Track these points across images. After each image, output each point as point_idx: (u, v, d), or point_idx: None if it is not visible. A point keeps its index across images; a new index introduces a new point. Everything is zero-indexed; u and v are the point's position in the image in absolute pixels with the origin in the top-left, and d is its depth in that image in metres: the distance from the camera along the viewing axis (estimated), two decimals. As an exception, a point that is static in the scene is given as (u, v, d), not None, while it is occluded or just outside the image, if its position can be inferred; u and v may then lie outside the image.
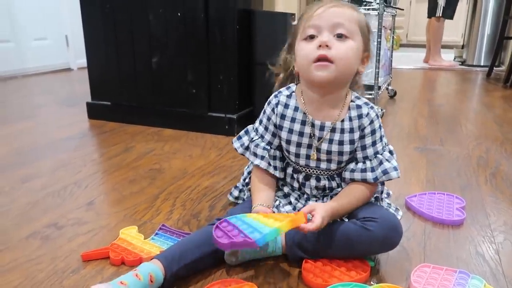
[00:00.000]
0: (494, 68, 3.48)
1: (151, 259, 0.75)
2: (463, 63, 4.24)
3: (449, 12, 3.81)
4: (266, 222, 0.72)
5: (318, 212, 0.75)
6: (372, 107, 0.85)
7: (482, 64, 4.00)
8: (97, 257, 0.83)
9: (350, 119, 0.83)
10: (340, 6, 0.79)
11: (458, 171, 1.33)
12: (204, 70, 1.71)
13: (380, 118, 0.86)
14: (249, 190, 0.95)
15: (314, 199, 0.90)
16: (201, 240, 0.78)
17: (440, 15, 3.82)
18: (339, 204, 0.80)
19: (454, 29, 5.11)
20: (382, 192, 0.92)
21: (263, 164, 0.89)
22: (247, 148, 0.92)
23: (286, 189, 0.94)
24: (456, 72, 3.80)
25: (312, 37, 0.78)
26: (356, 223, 0.78)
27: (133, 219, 1.00)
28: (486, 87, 3.04)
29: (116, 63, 1.86)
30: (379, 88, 2.08)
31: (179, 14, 1.68)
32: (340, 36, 0.77)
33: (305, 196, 0.91)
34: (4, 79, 3.11)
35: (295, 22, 0.84)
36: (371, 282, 0.75)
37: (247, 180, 1.00)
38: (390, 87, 2.57)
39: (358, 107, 0.84)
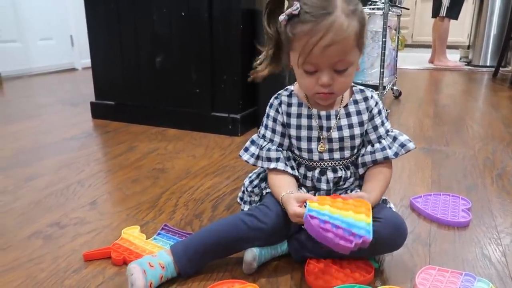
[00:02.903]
0: (501, 68, 3.45)
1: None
2: (469, 63, 4.21)
3: (454, 12, 3.77)
4: (349, 215, 0.71)
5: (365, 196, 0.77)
6: (372, 90, 0.89)
7: (488, 64, 3.97)
8: (99, 257, 0.83)
9: (356, 102, 0.86)
10: (338, 36, 0.70)
11: (463, 172, 1.31)
12: (208, 70, 1.70)
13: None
14: (256, 195, 0.93)
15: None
16: (229, 241, 0.78)
17: (444, 15, 3.78)
18: (375, 194, 0.81)
19: (459, 30, 5.08)
20: None
21: (280, 165, 0.86)
22: (258, 157, 0.89)
23: (300, 191, 0.92)
24: (462, 73, 3.77)
25: (311, 72, 0.76)
26: None
27: (136, 218, 1.00)
28: (492, 88, 3.01)
29: (120, 63, 1.86)
30: (384, 88, 2.07)
31: (183, 14, 1.67)
32: (340, 71, 0.75)
33: (321, 192, 0.89)
34: (10, 79, 3.13)
35: (282, 17, 0.74)
36: (375, 284, 0.74)
37: (252, 188, 0.95)
38: (395, 87, 2.55)
39: (361, 91, 0.87)
